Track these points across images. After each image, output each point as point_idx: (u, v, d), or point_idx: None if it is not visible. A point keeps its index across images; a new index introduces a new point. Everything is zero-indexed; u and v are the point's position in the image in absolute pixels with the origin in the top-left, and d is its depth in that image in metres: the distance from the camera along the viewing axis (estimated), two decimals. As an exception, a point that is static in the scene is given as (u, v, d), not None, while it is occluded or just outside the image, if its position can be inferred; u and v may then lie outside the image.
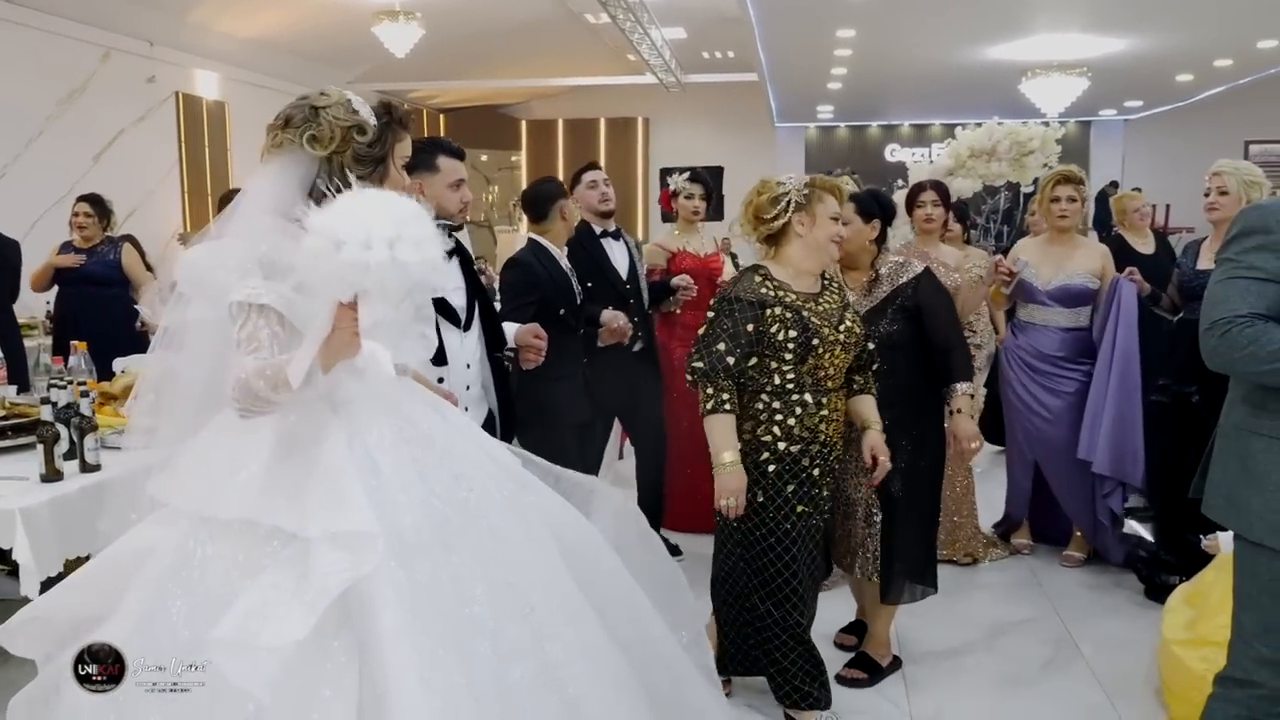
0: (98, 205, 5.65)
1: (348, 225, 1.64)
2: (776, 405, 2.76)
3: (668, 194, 4.69)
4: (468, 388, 2.96)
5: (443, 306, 2.86)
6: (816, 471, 2.80)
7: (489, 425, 3.02)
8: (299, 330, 1.81)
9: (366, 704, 1.67)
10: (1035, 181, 5.85)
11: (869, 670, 3.31)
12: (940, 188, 4.44)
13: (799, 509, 2.78)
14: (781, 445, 2.76)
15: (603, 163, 18.61)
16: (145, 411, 1.97)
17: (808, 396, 2.76)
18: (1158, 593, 3.81)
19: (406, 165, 2.73)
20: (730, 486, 2.70)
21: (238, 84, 10.66)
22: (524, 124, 17.68)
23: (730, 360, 2.72)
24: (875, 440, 2.89)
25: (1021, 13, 9.06)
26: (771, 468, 2.77)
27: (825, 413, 2.78)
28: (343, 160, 1.93)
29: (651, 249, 4.72)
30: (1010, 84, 11.33)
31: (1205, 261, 3.97)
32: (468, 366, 2.97)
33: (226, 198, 4.87)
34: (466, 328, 2.95)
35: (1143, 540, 4.10)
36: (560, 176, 17.67)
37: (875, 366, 2.98)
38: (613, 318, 3.95)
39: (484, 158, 17.70)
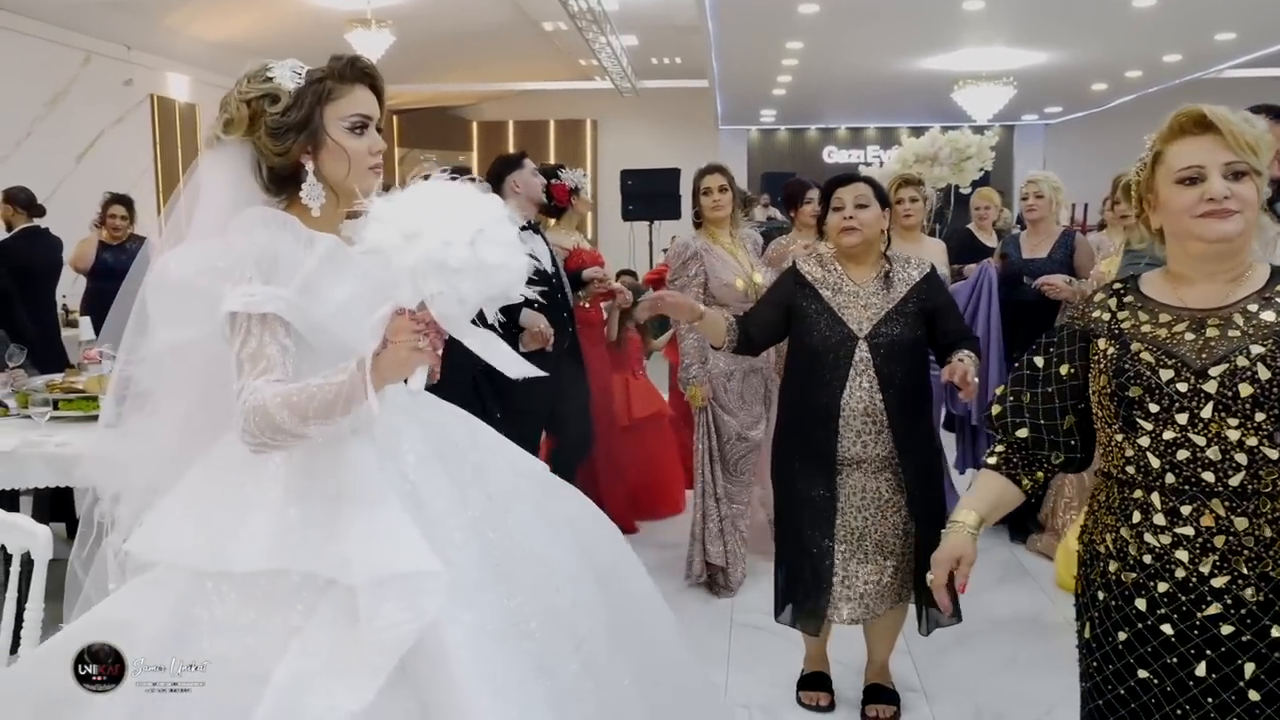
0: (129, 205, 6.14)
1: (421, 216, 1.35)
2: None
3: (565, 188, 4.42)
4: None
5: None
6: None
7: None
8: (309, 341, 1.53)
9: None
10: (973, 184, 6.53)
11: (895, 701, 3.08)
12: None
13: None
14: None
15: (553, 163, 18.93)
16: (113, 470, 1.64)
17: None
18: (1024, 532, 4.44)
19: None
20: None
21: (208, 86, 10.93)
22: (475, 125, 18.07)
23: None
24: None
25: (951, 29, 9.88)
26: None
27: None
28: (260, 140, 1.58)
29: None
30: (941, 91, 12.16)
31: (1029, 251, 4.58)
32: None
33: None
34: None
35: None
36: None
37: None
38: (533, 320, 3.67)
39: (433, 157, 18.02)
